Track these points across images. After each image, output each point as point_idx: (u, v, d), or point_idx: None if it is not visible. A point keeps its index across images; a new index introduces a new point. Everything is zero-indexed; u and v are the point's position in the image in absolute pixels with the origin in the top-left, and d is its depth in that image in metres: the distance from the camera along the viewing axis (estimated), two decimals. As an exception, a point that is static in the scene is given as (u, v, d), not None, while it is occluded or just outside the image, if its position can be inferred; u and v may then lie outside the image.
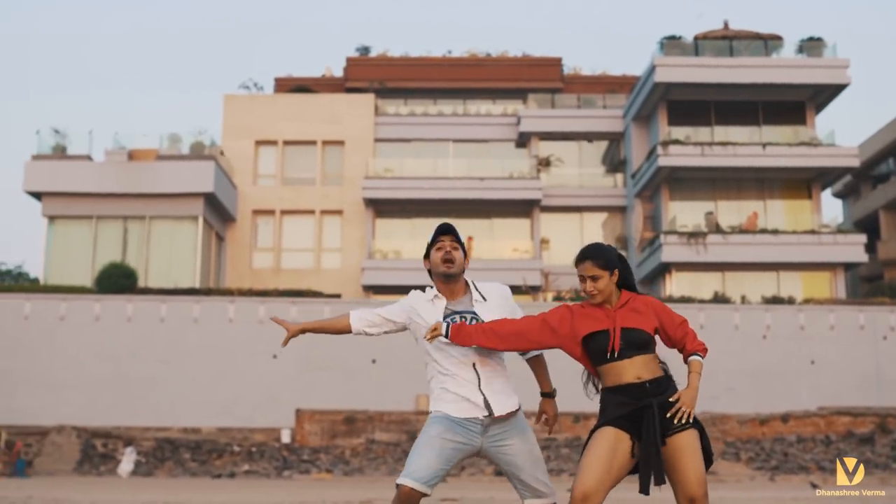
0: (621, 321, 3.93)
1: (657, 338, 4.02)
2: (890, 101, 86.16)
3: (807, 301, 26.38)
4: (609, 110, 32.83)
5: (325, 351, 23.01)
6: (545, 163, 31.76)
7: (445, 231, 4.20)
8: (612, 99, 33.45)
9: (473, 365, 4.06)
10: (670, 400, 3.85)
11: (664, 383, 3.90)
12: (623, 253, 31.58)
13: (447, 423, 3.98)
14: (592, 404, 4.26)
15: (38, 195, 27.28)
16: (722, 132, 29.78)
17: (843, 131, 78.86)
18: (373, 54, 36.78)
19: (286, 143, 31.84)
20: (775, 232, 28.17)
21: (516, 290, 27.05)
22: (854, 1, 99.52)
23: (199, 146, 28.41)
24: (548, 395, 4.25)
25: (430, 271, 4.24)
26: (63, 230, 27.21)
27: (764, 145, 28.86)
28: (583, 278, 4.00)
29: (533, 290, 29.23)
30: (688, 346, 3.97)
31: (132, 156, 27.94)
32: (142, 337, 23.49)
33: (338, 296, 26.45)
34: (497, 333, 3.98)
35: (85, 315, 23.58)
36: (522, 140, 32.58)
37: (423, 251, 4.32)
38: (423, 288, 4.30)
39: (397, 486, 3.86)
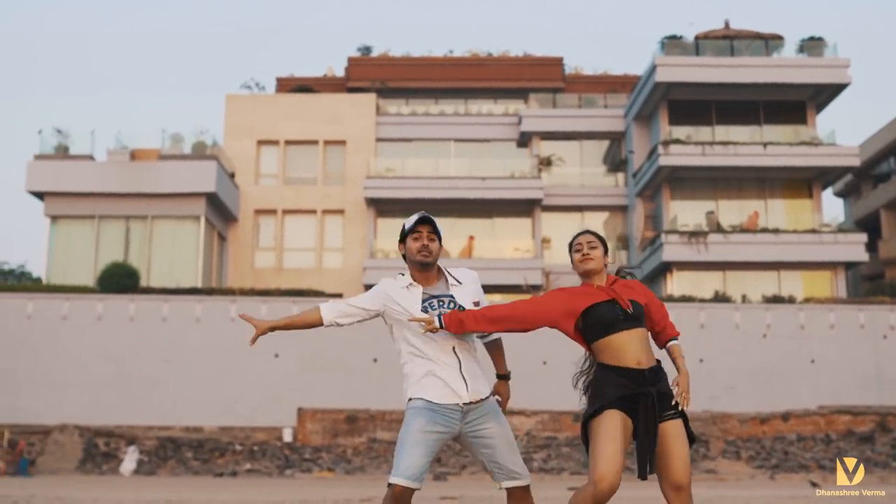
0: (621, 293, 4.07)
1: None
2: (890, 100, 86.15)
3: (807, 300, 26.42)
4: (610, 110, 32.87)
5: (327, 350, 23.07)
6: (546, 162, 31.80)
7: (424, 221, 4.22)
8: (613, 98, 33.47)
9: (453, 349, 4.14)
10: (671, 386, 4.01)
11: (659, 372, 4.04)
12: (624, 252, 31.38)
13: (428, 415, 4.05)
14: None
15: (40, 195, 27.33)
16: (723, 132, 29.81)
17: (843, 131, 78.91)
18: (374, 54, 36.84)
19: (288, 142, 31.89)
20: (776, 231, 28.19)
21: (518, 289, 27.11)
22: (854, 1, 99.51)
23: (200, 146, 28.45)
24: (503, 377, 4.37)
25: (404, 256, 4.29)
26: (65, 230, 27.28)
27: (765, 145, 28.88)
28: (580, 248, 4.17)
29: (534, 290, 29.26)
30: (668, 331, 4.18)
31: (134, 156, 27.98)
32: (144, 336, 23.56)
33: (339, 295, 26.47)
34: (490, 317, 4.06)
35: (87, 315, 23.65)
36: (524, 140, 32.62)
37: None
38: (393, 276, 4.35)
39: (389, 485, 3.94)
